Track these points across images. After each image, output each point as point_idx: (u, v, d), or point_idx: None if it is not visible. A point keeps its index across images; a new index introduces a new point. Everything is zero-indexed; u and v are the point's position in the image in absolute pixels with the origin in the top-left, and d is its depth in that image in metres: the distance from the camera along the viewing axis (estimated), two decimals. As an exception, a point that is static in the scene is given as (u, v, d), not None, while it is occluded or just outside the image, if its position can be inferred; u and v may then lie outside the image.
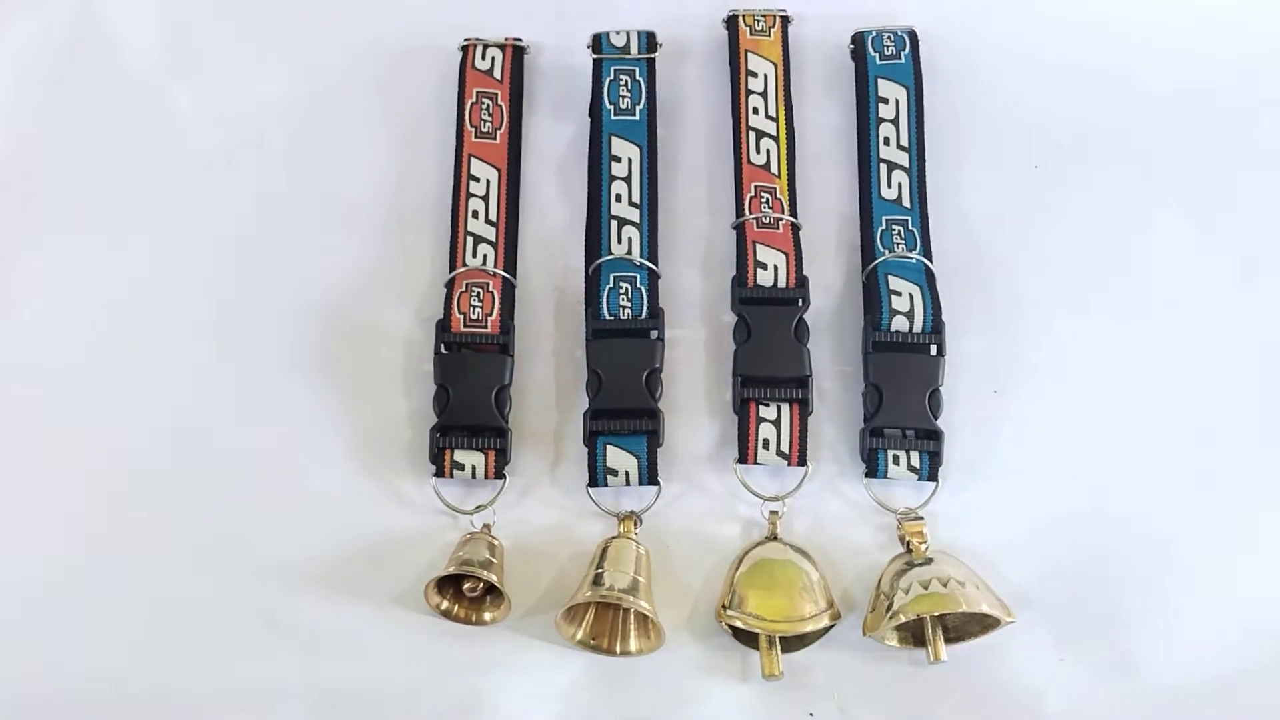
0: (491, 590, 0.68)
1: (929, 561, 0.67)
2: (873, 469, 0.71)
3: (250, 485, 0.72)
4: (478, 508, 0.71)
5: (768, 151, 0.76)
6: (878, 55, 0.78)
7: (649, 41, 0.79)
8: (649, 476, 0.70)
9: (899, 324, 0.72)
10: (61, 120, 0.80)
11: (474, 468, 0.71)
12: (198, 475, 0.72)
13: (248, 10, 0.83)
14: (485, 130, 0.78)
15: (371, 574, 0.70)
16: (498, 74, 0.79)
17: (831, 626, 0.67)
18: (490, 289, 0.74)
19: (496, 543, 0.69)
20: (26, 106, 0.80)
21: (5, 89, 0.80)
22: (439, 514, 0.71)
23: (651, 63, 0.78)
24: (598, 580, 0.66)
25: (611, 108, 0.77)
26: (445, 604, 0.69)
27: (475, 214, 0.76)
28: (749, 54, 0.78)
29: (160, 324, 0.75)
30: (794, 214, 0.75)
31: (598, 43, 0.79)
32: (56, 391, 0.74)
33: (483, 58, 0.79)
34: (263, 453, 0.72)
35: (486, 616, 0.69)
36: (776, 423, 0.71)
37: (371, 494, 0.72)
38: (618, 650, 0.68)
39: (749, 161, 0.76)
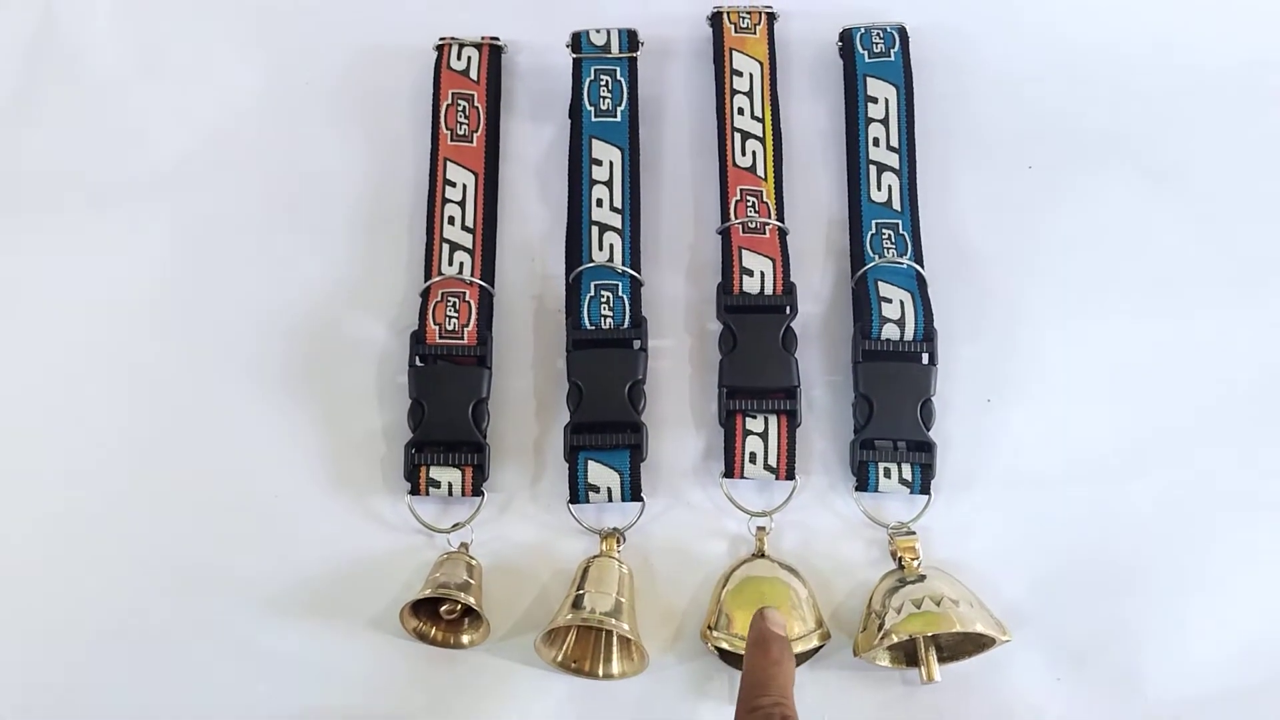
0: (470, 612, 0.66)
1: (921, 578, 0.66)
2: (863, 482, 0.69)
3: (217, 505, 0.70)
4: (455, 526, 0.69)
5: (754, 153, 0.74)
6: (866, 53, 0.77)
7: (630, 40, 0.77)
8: (632, 492, 0.68)
9: (890, 332, 0.70)
10: (21, 126, 0.78)
11: (450, 485, 0.69)
12: (163, 495, 0.70)
13: (212, 9, 0.81)
14: (461, 133, 0.76)
15: (345, 596, 0.68)
16: (474, 74, 0.77)
17: (821, 647, 0.66)
18: (467, 298, 0.72)
19: (474, 562, 0.67)
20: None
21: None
22: (415, 533, 0.69)
23: (633, 62, 0.76)
24: (578, 602, 0.64)
25: (592, 109, 0.75)
26: (422, 627, 0.67)
27: (451, 220, 0.74)
28: (734, 52, 0.76)
29: (123, 337, 0.73)
30: (781, 218, 0.73)
31: (577, 41, 0.77)
32: (16, 408, 0.72)
33: (458, 57, 0.77)
34: (230, 471, 0.70)
35: (465, 639, 0.67)
36: (764, 435, 0.69)
37: (344, 513, 0.70)
38: (600, 673, 0.66)
39: (734, 164, 0.74)
